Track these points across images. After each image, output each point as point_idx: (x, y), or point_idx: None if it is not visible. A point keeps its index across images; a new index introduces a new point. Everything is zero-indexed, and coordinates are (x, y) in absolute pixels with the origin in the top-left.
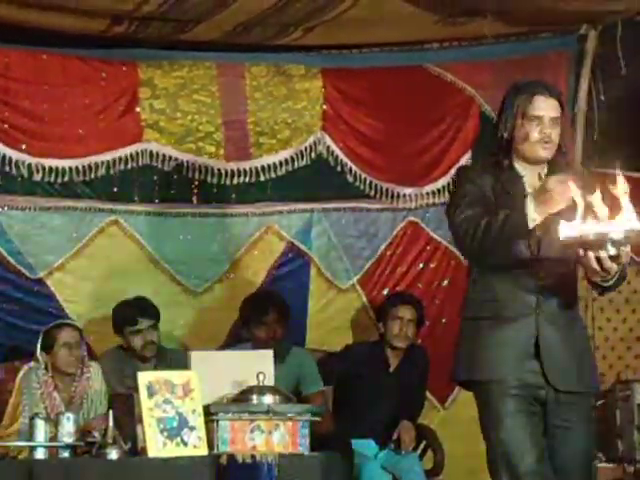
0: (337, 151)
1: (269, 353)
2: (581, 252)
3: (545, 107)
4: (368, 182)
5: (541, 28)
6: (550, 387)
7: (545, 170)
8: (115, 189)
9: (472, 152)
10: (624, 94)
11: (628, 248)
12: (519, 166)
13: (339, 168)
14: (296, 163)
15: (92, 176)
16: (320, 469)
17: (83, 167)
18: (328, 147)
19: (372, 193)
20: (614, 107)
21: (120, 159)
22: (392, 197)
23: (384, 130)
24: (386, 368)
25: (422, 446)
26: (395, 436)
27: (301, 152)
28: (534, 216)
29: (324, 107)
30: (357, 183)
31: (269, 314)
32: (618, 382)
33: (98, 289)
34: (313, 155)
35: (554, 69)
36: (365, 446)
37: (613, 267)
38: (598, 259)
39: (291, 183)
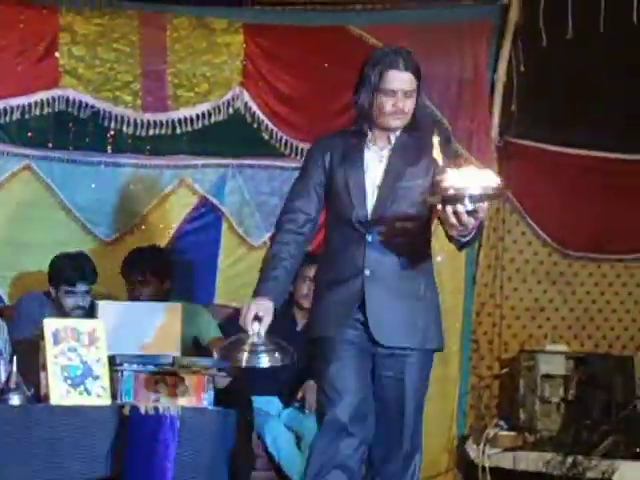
0: (254, 108)
1: (178, 306)
2: (440, 207)
3: (399, 81)
4: (284, 141)
5: None
6: (376, 343)
7: (397, 133)
8: (29, 134)
9: None
10: (544, 66)
11: (486, 204)
12: (374, 131)
13: (256, 125)
14: (213, 117)
15: (6, 119)
16: (222, 424)
17: None
18: (246, 103)
19: (287, 152)
20: (533, 78)
21: (36, 104)
22: None
23: (303, 89)
24: (293, 327)
25: None
26: (300, 395)
27: (219, 107)
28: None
29: (244, 63)
30: (273, 141)
31: (133, 274)
32: (522, 351)
33: (8, 234)
34: (231, 110)
35: (475, 37)
36: (269, 404)
37: (470, 221)
38: (456, 213)
39: (207, 137)
